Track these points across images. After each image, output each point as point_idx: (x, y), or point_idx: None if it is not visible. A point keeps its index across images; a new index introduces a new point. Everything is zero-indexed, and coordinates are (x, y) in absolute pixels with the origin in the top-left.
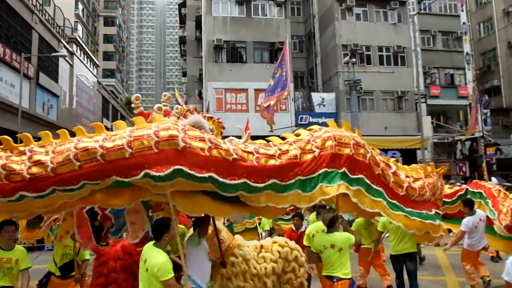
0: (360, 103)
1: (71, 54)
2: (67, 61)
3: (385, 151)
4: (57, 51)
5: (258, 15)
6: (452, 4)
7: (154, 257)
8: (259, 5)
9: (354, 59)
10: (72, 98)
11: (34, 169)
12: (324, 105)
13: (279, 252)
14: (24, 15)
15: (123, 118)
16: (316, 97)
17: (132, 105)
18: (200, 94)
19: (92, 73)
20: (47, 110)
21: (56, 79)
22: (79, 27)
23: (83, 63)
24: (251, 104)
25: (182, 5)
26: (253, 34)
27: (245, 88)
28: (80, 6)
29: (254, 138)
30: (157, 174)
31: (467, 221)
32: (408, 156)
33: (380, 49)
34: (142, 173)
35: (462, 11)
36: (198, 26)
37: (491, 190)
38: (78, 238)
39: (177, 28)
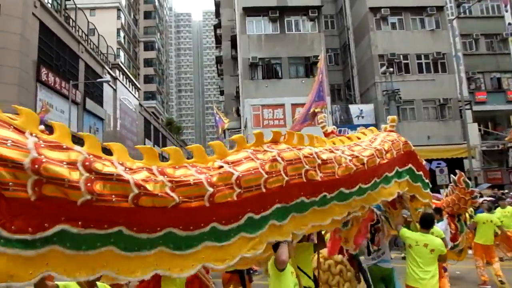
0: (400, 113)
1: (114, 79)
2: (110, 86)
3: (429, 161)
4: (101, 77)
5: (292, 31)
6: (494, 5)
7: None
8: (292, 21)
9: (391, 69)
10: (116, 120)
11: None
12: (362, 117)
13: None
14: (72, 46)
15: (164, 138)
16: (354, 109)
17: (318, 122)
18: (238, 111)
19: (134, 96)
20: (94, 133)
21: (101, 103)
22: (121, 53)
23: (125, 87)
24: (288, 119)
25: (217, 26)
26: (287, 50)
27: (281, 103)
28: (122, 34)
29: None
30: None
31: None
32: (455, 166)
33: (418, 57)
34: None
35: (507, 11)
36: (234, 45)
37: None
38: None
39: (213, 48)
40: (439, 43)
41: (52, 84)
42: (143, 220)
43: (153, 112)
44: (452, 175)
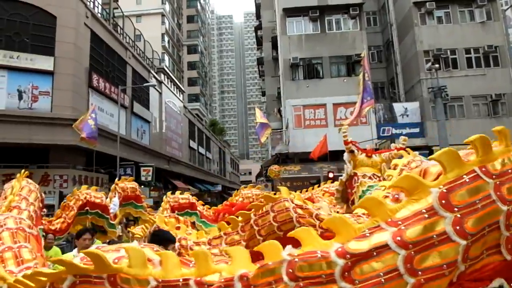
0: (447, 110)
1: (160, 82)
2: (156, 89)
3: None
4: (147, 81)
5: (333, 30)
6: None
7: None
8: (333, 19)
9: (437, 65)
10: (162, 123)
11: None
12: (407, 115)
13: None
14: (120, 52)
15: (208, 139)
16: (398, 107)
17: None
18: (279, 112)
19: (179, 98)
20: (141, 135)
21: (147, 107)
22: (166, 57)
23: (170, 90)
24: (330, 119)
25: (258, 28)
26: (328, 49)
27: (323, 103)
28: (166, 38)
29: (333, 152)
30: None
31: None
32: None
33: (467, 51)
34: None
35: None
36: (274, 46)
37: None
38: None
39: (255, 49)
40: (490, 35)
41: (103, 90)
42: None
43: (197, 114)
44: None
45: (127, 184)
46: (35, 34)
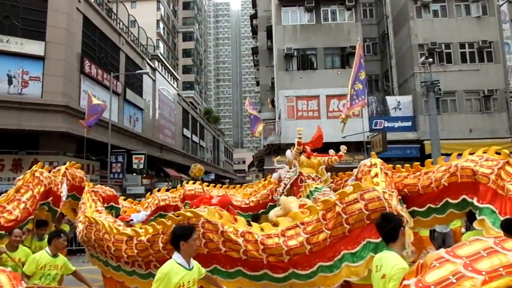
0: (440, 105)
1: (154, 70)
2: (150, 76)
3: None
4: (141, 68)
5: (328, 21)
6: None
7: None
8: (328, 10)
9: (431, 59)
10: (155, 110)
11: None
12: (400, 109)
13: None
14: (113, 38)
15: (202, 128)
16: (391, 100)
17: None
18: (273, 103)
19: (173, 86)
20: (133, 123)
21: (140, 94)
22: (161, 44)
23: (164, 77)
24: (322, 111)
25: (253, 16)
26: (323, 40)
27: (316, 95)
28: (161, 25)
29: (326, 144)
30: None
31: None
32: None
33: (462, 45)
34: None
35: None
36: (269, 36)
37: None
38: None
39: (251, 38)
40: (485, 30)
41: (95, 76)
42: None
43: (191, 102)
44: None
45: (76, 172)
46: (25, 17)
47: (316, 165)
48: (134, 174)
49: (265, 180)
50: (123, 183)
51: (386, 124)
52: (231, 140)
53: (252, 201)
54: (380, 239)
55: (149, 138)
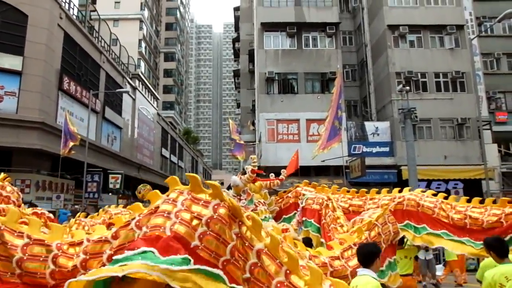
0: (416, 131)
1: (134, 89)
2: (130, 95)
3: (445, 181)
4: (121, 87)
5: (309, 47)
6: None
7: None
8: (310, 37)
9: (408, 87)
10: (134, 129)
11: None
12: (378, 134)
13: None
14: (94, 56)
15: (181, 148)
16: (369, 126)
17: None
18: (253, 125)
19: (153, 105)
20: (111, 142)
21: (119, 113)
22: (142, 63)
23: (144, 96)
24: (303, 134)
25: (236, 40)
26: (304, 65)
27: (296, 118)
28: (143, 44)
29: (304, 168)
30: None
31: None
32: (472, 187)
33: (436, 75)
34: None
35: None
36: (251, 59)
37: None
38: None
39: (232, 60)
40: (458, 62)
41: (73, 93)
42: None
43: (170, 122)
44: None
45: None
46: (3, 32)
47: (258, 189)
48: (110, 194)
49: None
50: (98, 203)
51: (365, 149)
52: (210, 161)
53: None
54: (394, 257)
55: (127, 157)
